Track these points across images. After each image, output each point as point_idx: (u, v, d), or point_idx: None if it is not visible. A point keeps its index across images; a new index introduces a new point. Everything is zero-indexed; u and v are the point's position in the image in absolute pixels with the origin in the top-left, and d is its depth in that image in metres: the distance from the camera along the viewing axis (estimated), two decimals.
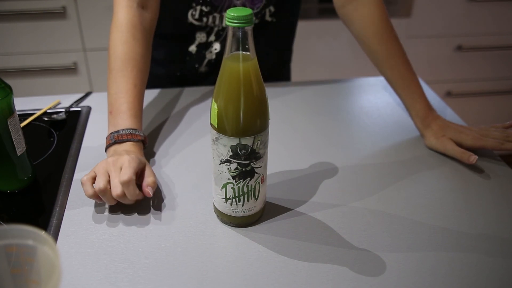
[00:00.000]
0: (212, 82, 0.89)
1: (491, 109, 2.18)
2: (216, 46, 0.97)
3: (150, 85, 0.93)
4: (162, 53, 1.00)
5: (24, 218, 0.65)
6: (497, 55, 2.03)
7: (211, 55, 0.97)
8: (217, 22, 0.92)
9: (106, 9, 1.66)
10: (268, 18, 0.95)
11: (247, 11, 0.51)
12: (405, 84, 0.83)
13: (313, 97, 0.97)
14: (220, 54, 0.98)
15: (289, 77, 1.16)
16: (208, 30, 0.94)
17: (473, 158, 0.75)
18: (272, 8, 0.94)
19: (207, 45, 0.97)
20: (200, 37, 0.94)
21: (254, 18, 0.52)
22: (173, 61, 1.01)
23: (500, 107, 2.18)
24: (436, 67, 2.02)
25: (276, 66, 1.08)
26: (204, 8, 0.90)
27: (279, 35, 1.02)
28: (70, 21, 1.67)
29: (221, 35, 0.95)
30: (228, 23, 0.51)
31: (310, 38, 1.85)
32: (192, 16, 0.91)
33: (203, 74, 1.01)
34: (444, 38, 1.95)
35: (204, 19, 0.92)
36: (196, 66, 1.00)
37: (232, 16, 0.51)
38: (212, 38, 0.95)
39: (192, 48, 0.96)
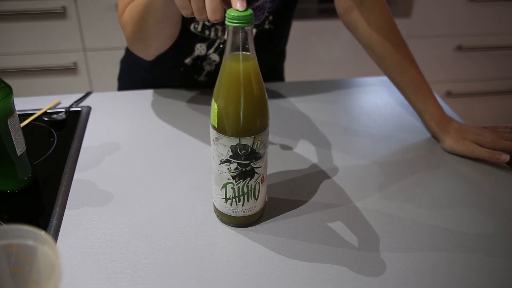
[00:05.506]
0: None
1: (491, 109, 2.18)
2: (215, 58, 0.94)
3: None
4: (156, 61, 0.98)
5: (24, 218, 0.65)
6: (497, 55, 2.03)
7: (210, 67, 0.96)
8: (219, 34, 0.91)
9: (106, 9, 1.66)
10: (266, 26, 0.94)
11: (247, 11, 0.51)
12: (416, 88, 0.82)
13: (313, 97, 0.97)
14: (219, 66, 0.97)
15: (283, 78, 1.16)
16: (210, 42, 0.92)
17: (504, 157, 0.74)
18: (270, 17, 0.93)
19: (203, 58, 0.95)
20: (200, 49, 0.92)
21: (253, 19, 0.52)
22: (166, 71, 0.99)
23: (500, 107, 2.18)
24: (436, 67, 2.02)
25: (270, 69, 1.07)
26: (206, 22, 0.89)
27: (274, 39, 1.01)
28: (70, 21, 1.67)
29: (220, 48, 0.94)
30: (228, 23, 0.51)
31: (310, 38, 1.85)
32: (195, 28, 0.90)
33: (202, 83, 1.00)
34: (444, 38, 1.95)
35: (207, 32, 0.91)
36: (195, 77, 0.98)
37: (232, 16, 0.51)
38: (211, 50, 0.93)
39: (188, 61, 0.95)
